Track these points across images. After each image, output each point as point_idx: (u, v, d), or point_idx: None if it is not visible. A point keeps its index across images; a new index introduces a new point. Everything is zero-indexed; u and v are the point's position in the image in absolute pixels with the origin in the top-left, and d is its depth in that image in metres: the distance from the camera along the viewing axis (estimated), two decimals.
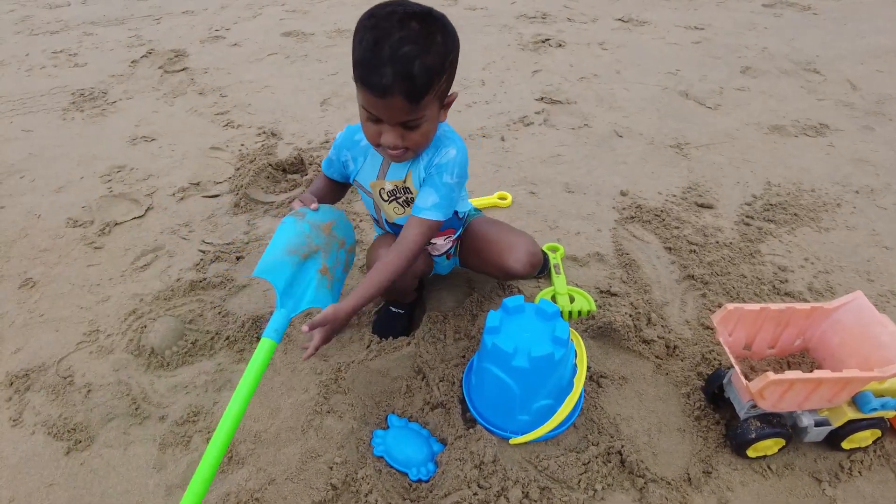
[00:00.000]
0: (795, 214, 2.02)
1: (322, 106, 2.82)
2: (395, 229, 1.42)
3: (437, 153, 1.25)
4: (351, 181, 1.41)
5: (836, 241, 1.90)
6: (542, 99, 2.82)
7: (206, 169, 2.30)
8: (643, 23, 3.87)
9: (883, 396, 1.17)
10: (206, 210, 2.06)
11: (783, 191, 2.15)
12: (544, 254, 1.71)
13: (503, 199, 2.06)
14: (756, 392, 1.09)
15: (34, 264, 1.82)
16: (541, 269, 1.70)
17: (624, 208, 2.03)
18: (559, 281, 1.65)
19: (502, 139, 2.48)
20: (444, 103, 1.19)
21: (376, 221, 1.51)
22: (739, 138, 2.51)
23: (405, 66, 1.03)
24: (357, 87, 1.11)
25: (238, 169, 2.27)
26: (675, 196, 2.11)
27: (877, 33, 3.67)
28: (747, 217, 2.00)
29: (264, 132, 2.56)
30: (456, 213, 1.43)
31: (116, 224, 2.00)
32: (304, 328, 1.14)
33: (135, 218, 2.03)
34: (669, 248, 1.84)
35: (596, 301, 1.62)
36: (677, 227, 1.93)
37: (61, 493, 1.20)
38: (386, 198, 1.36)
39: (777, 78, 3.06)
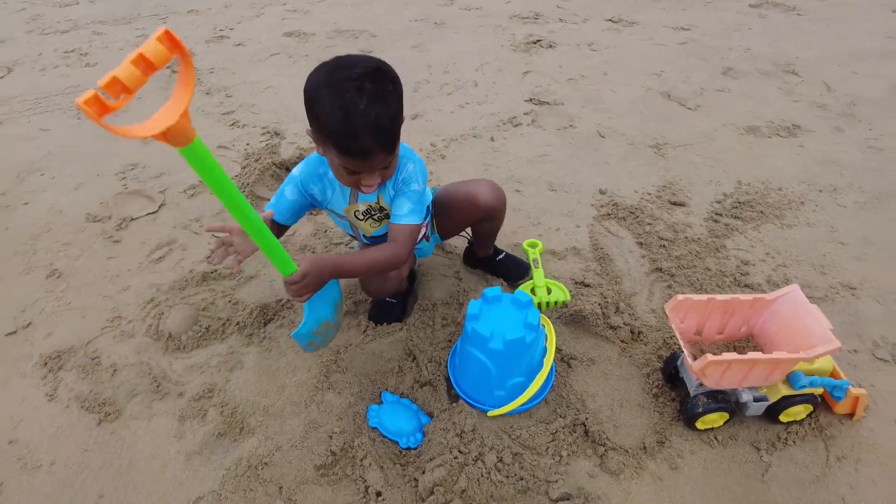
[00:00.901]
0: (762, 212, 2.17)
1: None
2: (374, 241, 1.57)
3: (400, 171, 1.39)
4: (323, 209, 1.51)
5: (797, 237, 2.06)
6: (531, 100, 2.96)
7: None
8: (632, 23, 4.00)
9: (812, 375, 1.34)
10: (216, 206, 2.22)
11: (752, 189, 2.30)
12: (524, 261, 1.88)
13: None
14: (699, 371, 1.26)
15: (59, 257, 1.99)
16: (522, 274, 1.86)
17: (602, 206, 2.19)
18: (538, 274, 1.81)
19: (492, 139, 2.64)
20: None
21: (353, 237, 1.64)
22: (716, 139, 2.65)
23: (377, 126, 1.15)
24: (329, 148, 1.20)
25: (244, 167, 2.42)
26: (650, 194, 2.26)
27: (858, 34, 3.79)
28: (716, 214, 2.15)
29: (268, 132, 2.71)
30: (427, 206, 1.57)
31: (132, 219, 2.16)
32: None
33: (149, 213, 2.19)
34: (641, 243, 2.00)
35: (571, 291, 1.78)
36: (650, 224, 2.09)
37: (95, 457, 1.37)
38: (361, 217, 1.49)
39: (757, 79, 3.20)
